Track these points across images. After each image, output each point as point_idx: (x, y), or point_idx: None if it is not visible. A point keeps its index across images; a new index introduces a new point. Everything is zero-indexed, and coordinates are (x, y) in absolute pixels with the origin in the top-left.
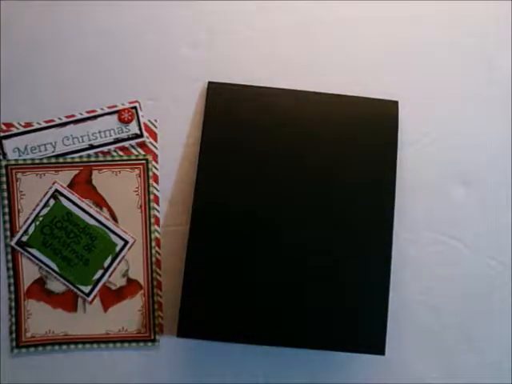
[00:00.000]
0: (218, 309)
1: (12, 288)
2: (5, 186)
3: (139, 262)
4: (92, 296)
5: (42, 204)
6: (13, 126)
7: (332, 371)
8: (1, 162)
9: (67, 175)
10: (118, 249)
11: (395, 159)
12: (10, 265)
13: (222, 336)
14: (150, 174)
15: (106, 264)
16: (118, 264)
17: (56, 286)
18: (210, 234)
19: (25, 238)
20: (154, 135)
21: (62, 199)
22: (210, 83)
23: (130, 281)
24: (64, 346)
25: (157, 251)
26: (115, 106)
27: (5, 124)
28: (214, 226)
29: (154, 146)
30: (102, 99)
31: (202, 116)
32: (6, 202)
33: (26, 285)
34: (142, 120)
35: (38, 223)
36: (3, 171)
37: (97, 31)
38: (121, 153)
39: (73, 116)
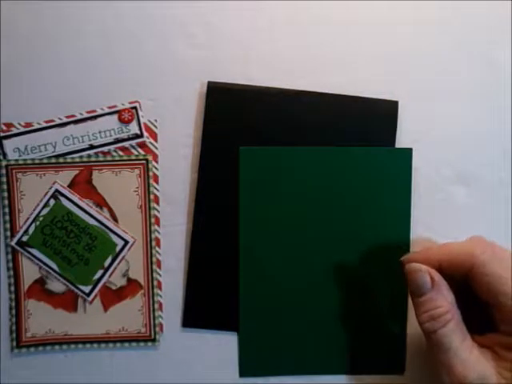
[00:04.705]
0: (223, 300)
1: (12, 288)
2: (5, 186)
3: (139, 262)
4: (92, 296)
5: (42, 204)
6: (13, 126)
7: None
8: (1, 162)
9: (67, 175)
10: (118, 249)
11: None
12: (10, 265)
13: (228, 326)
14: (150, 173)
15: (106, 264)
16: (119, 264)
17: (56, 285)
18: (212, 231)
19: (25, 238)
20: (154, 135)
21: (63, 199)
22: (209, 83)
23: (130, 281)
24: (64, 346)
25: (157, 251)
26: (115, 106)
27: (5, 124)
28: (216, 223)
29: (154, 146)
30: (101, 99)
31: (202, 116)
32: (6, 201)
33: (26, 285)
34: (142, 120)
35: (38, 223)
36: (3, 171)
37: (97, 31)
38: (121, 153)
39: (73, 116)
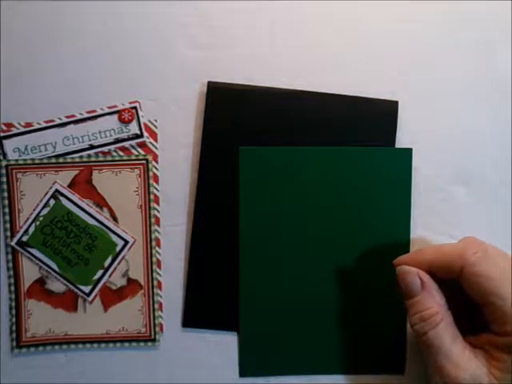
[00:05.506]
0: (223, 300)
1: (12, 288)
2: (5, 186)
3: (139, 262)
4: (92, 296)
5: (42, 204)
6: (13, 126)
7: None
8: (1, 162)
9: (67, 175)
10: (118, 249)
11: None
12: (10, 265)
13: (228, 326)
14: (150, 174)
15: (106, 264)
16: (119, 264)
17: (56, 285)
18: (212, 231)
19: (25, 238)
20: (154, 135)
21: (63, 199)
22: (209, 83)
23: (130, 281)
24: (64, 346)
25: (157, 251)
26: (115, 106)
27: (5, 124)
28: (216, 223)
29: (154, 146)
30: (102, 99)
31: (202, 116)
32: (6, 202)
33: (26, 285)
34: (142, 120)
35: (38, 223)
36: (3, 171)
37: (97, 31)
38: (121, 153)
39: (73, 116)
